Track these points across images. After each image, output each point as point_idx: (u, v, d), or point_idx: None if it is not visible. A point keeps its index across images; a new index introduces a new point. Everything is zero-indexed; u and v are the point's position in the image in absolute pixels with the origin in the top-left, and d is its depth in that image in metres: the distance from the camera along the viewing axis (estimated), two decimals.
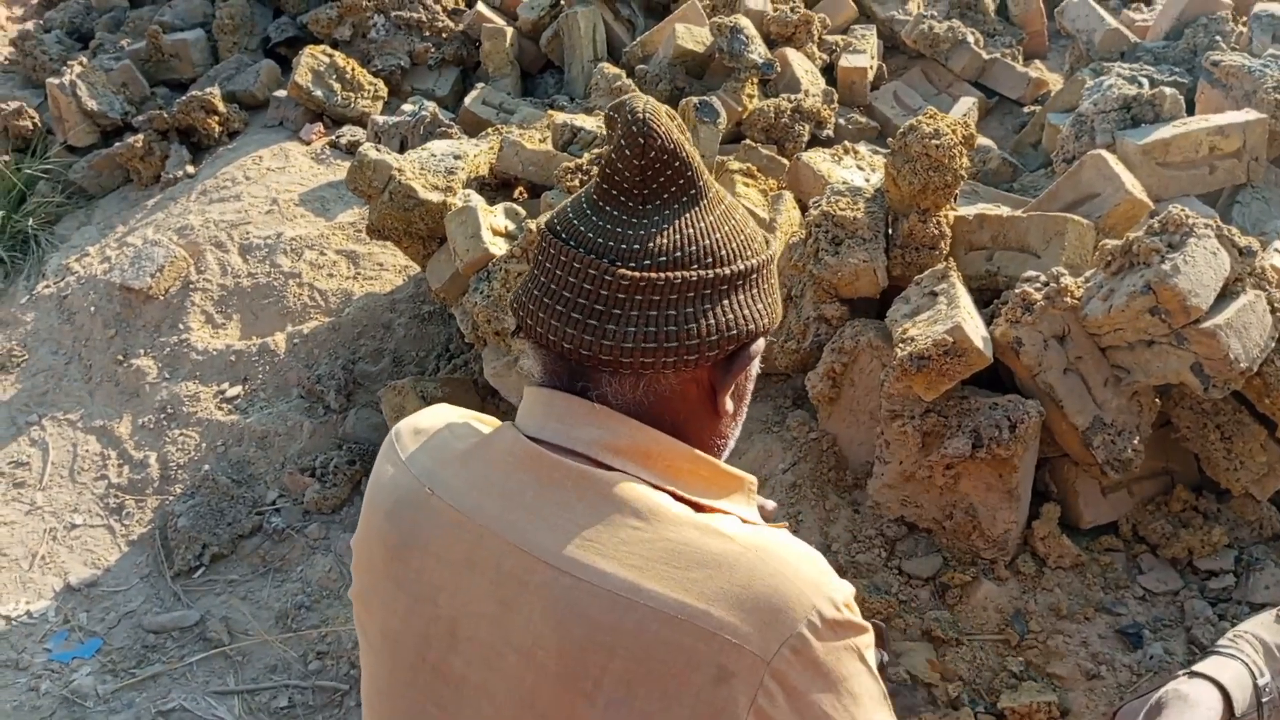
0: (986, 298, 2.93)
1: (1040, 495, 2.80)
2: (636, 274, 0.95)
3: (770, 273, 1.03)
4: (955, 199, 3.00)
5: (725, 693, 0.86)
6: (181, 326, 3.79)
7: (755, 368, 1.06)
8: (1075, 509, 2.75)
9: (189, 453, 3.48)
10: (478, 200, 3.25)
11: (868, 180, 3.30)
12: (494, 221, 3.26)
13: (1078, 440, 2.63)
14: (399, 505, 1.02)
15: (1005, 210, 3.02)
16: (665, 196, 0.97)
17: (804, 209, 3.19)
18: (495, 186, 3.64)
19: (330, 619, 3.04)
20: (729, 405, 1.03)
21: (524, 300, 1.01)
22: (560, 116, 3.51)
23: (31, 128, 4.61)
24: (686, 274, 0.96)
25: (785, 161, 3.69)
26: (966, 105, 4.21)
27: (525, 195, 3.60)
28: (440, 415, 1.10)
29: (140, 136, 4.44)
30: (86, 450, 3.55)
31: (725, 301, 0.98)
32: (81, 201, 4.49)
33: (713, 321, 0.97)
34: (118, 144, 4.48)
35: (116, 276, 3.87)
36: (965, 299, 2.69)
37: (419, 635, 0.98)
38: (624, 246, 0.96)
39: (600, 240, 0.96)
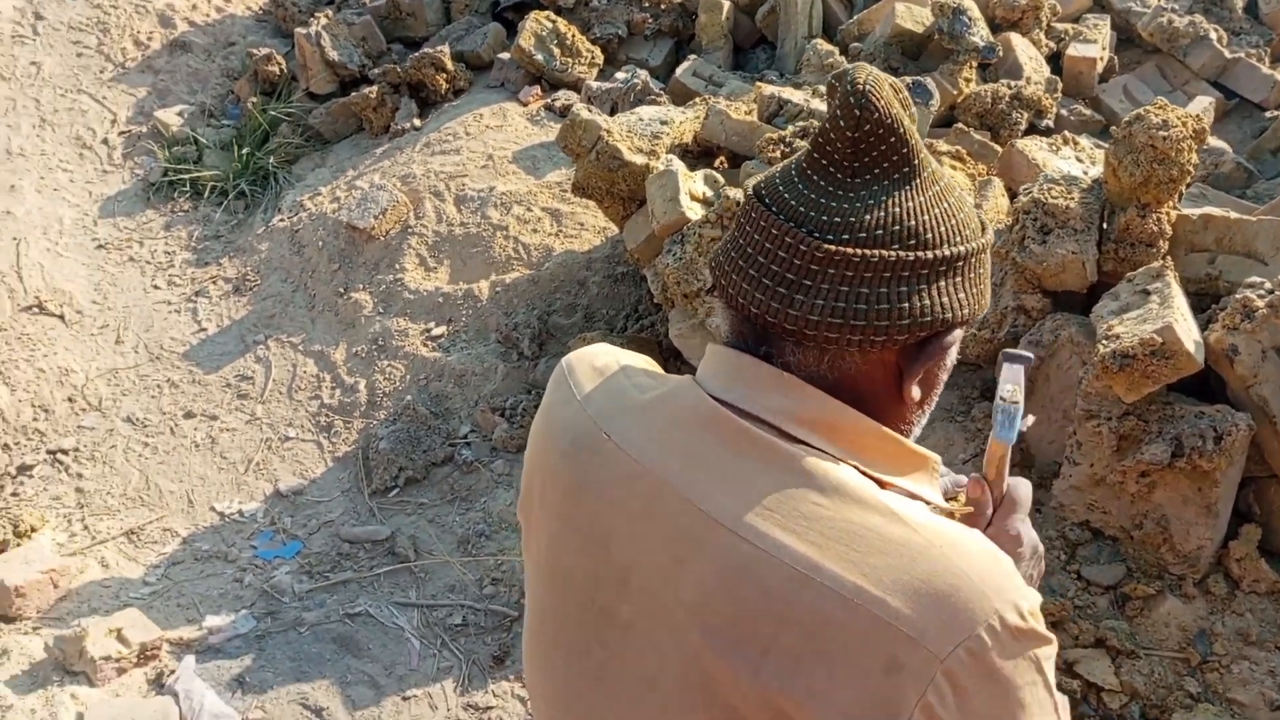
0: (1204, 303, 2.78)
1: (1241, 515, 2.64)
2: (832, 247, 0.92)
3: (981, 261, 0.98)
4: (1180, 197, 2.85)
5: (894, 683, 0.85)
6: (397, 267, 4.05)
7: (951, 357, 1.01)
8: (1278, 534, 2.59)
9: (394, 383, 3.73)
10: (679, 165, 3.32)
11: (1086, 172, 3.17)
12: (693, 187, 3.32)
13: None
14: (575, 446, 1.02)
15: (1234, 214, 2.85)
16: (876, 171, 0.93)
17: (1014, 198, 3.10)
18: (698, 154, 3.71)
19: (507, 549, 3.20)
20: (915, 393, 0.98)
21: (721, 260, 0.99)
22: (768, 89, 3.53)
23: (278, 73, 4.99)
24: (885, 253, 0.92)
25: (998, 148, 3.59)
26: (1203, 104, 3.97)
27: (725, 164, 3.65)
28: (614, 355, 1.10)
29: (375, 88, 4.74)
30: (304, 371, 3.86)
31: (923, 286, 0.94)
32: (318, 145, 4.85)
33: (905, 305, 0.93)
34: (354, 94, 4.80)
35: (344, 215, 4.17)
36: (1180, 300, 2.56)
37: (589, 576, 0.99)
38: (824, 218, 0.93)
39: (802, 209, 0.94)
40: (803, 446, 0.94)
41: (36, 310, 4.08)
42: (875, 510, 0.91)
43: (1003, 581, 0.89)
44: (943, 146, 3.51)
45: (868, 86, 0.91)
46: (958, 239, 0.95)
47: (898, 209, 0.93)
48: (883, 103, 0.92)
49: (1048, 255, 2.80)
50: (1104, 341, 2.49)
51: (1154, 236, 2.77)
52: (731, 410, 0.96)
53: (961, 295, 0.96)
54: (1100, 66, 4.26)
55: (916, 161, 0.94)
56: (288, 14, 5.35)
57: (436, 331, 3.86)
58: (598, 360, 1.09)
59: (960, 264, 0.96)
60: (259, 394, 3.81)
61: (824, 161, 0.94)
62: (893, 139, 0.93)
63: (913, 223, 0.93)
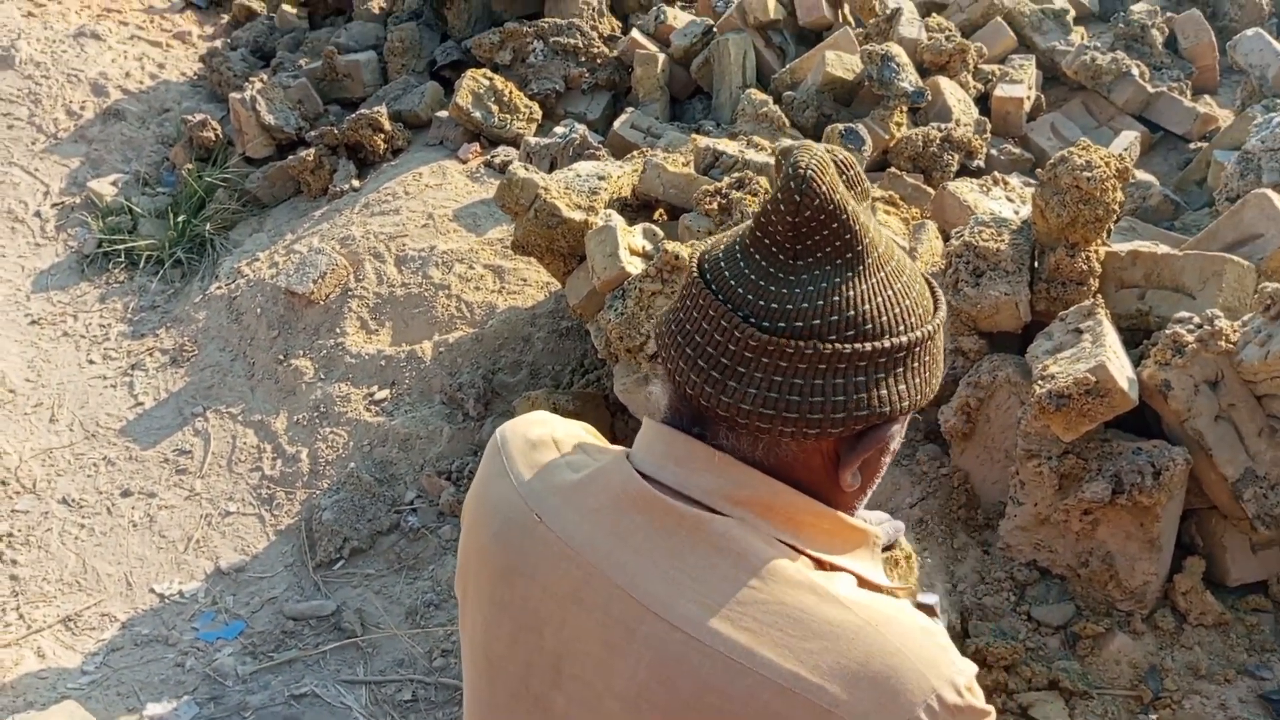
0: (1136, 338, 2.81)
1: (1184, 548, 2.66)
2: (765, 336, 0.89)
3: (928, 349, 0.94)
4: (1108, 234, 2.89)
5: None
6: (338, 331, 4.00)
7: (895, 445, 0.98)
8: (1222, 565, 2.60)
9: (337, 450, 3.67)
10: (618, 220, 3.32)
11: (1016, 213, 3.22)
12: (632, 241, 3.32)
13: (1227, 492, 2.50)
14: (506, 527, 1.00)
15: (1161, 248, 2.90)
16: (819, 255, 0.90)
17: (947, 241, 3.13)
18: (636, 208, 3.71)
19: (456, 618, 3.14)
20: (852, 481, 0.95)
21: (663, 332, 0.97)
22: (703, 141, 3.56)
23: (214, 139, 4.95)
24: (820, 345, 0.89)
25: (931, 191, 3.63)
26: (1128, 139, 4.05)
27: (665, 217, 3.65)
28: (549, 428, 1.08)
29: (312, 151, 4.72)
30: (245, 443, 3.78)
31: (861, 379, 0.90)
32: (255, 210, 4.80)
33: (840, 399, 0.90)
34: (291, 157, 4.77)
35: (282, 281, 4.12)
36: (1112, 337, 2.59)
37: (522, 663, 0.97)
38: (761, 303, 0.90)
39: (740, 291, 0.91)
40: (733, 522, 0.92)
41: None
42: (809, 590, 0.90)
43: (938, 656, 0.88)
44: (877, 192, 3.54)
45: (809, 170, 0.89)
46: (901, 327, 0.92)
47: (837, 297, 0.89)
48: (824, 187, 0.89)
49: (981, 297, 2.82)
50: (1040, 382, 2.51)
51: (1084, 275, 2.80)
52: (661, 489, 0.94)
53: (902, 387, 0.92)
54: (1028, 105, 4.34)
55: (861, 246, 0.91)
56: (222, 79, 5.32)
57: (379, 395, 3.81)
58: (532, 432, 1.07)
59: (903, 354, 0.92)
60: (198, 468, 3.73)
61: (766, 241, 0.91)
62: (835, 225, 0.90)
63: (852, 312, 0.89)
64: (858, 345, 0.90)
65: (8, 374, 4.08)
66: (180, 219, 4.67)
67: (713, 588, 0.89)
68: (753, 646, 0.87)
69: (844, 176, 0.93)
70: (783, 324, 0.89)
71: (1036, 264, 2.91)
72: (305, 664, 3.04)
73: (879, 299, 0.91)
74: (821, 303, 0.89)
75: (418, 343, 3.95)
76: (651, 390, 3.06)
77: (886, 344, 0.91)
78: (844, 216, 0.90)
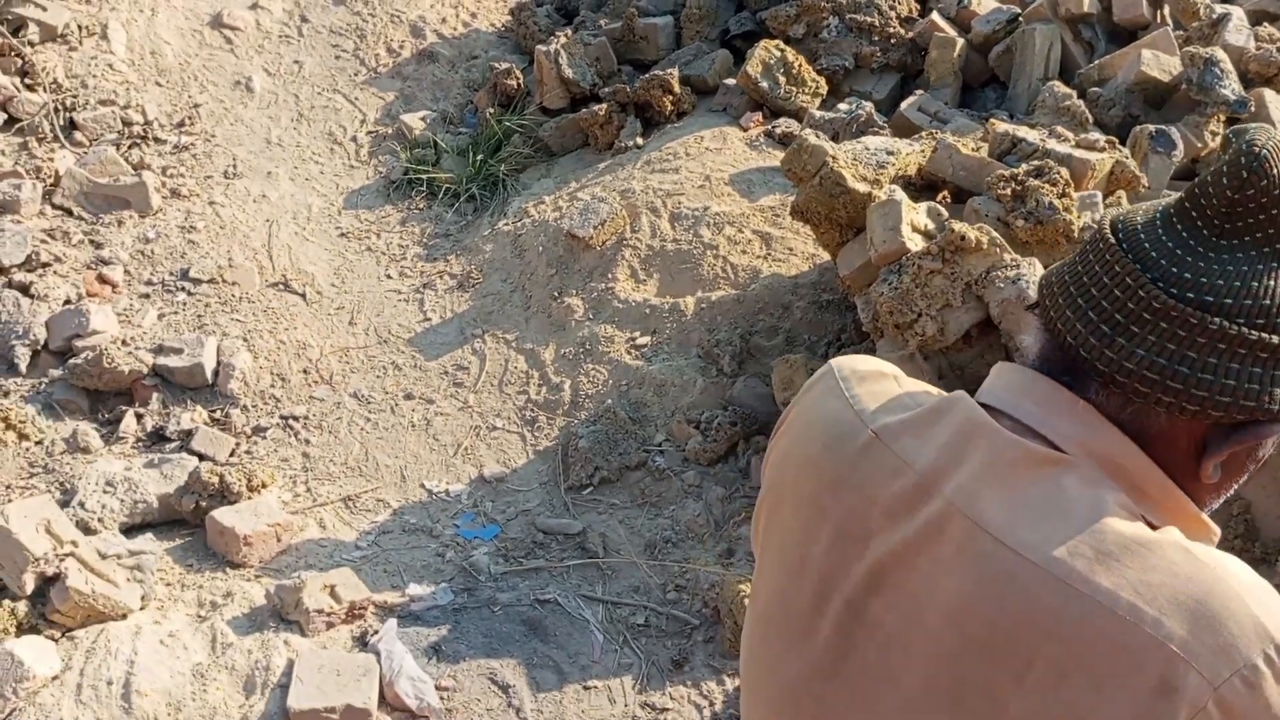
0: None
1: None
2: (1172, 301, 0.88)
3: None
4: None
5: (1165, 706, 0.83)
6: (610, 276, 4.20)
7: (1268, 449, 0.95)
8: None
9: (597, 385, 3.87)
10: (902, 196, 3.32)
11: None
12: (915, 218, 3.31)
13: None
14: (840, 440, 1.01)
15: None
16: (1246, 239, 0.89)
17: None
18: (920, 187, 3.69)
19: (692, 558, 3.26)
20: (1213, 474, 0.93)
21: (1052, 281, 0.97)
22: (1002, 125, 3.49)
23: (515, 87, 5.27)
24: (1225, 323, 0.87)
25: None
26: None
27: (949, 199, 3.61)
28: (880, 365, 1.10)
29: (604, 106, 4.95)
30: (515, 367, 4.06)
31: (1258, 369, 0.89)
32: (545, 156, 5.09)
33: (1231, 383, 0.88)
34: (584, 110, 5.02)
35: (565, 224, 4.36)
36: None
37: (839, 568, 0.98)
38: (1174, 270, 0.89)
39: (1154, 254, 0.90)
40: (1081, 469, 0.92)
41: (282, 288, 4.45)
42: (1144, 529, 0.89)
43: (1277, 610, 0.86)
44: None
45: (1265, 150, 0.88)
46: None
47: (1256, 283, 0.88)
48: (1276, 171, 0.88)
49: None
50: None
51: None
52: (1006, 423, 0.95)
53: None
54: None
55: None
56: (528, 32, 5.64)
57: (641, 341, 3.98)
58: (861, 365, 1.10)
59: None
60: (473, 383, 4.03)
61: (1194, 214, 0.90)
62: (1274, 210, 0.88)
63: (1268, 301, 0.88)
64: (1264, 335, 0.88)
65: (317, 277, 4.53)
66: (478, 158, 5.02)
67: (1051, 519, 0.89)
68: (1089, 573, 0.86)
69: None
70: (1192, 294, 0.88)
71: None
72: (550, 574, 3.25)
73: None
74: (1239, 284, 0.88)
75: (682, 296, 4.09)
76: (1023, 339, 3.01)
77: None
78: None
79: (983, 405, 0.98)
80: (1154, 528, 0.92)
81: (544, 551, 3.34)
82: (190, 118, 5.19)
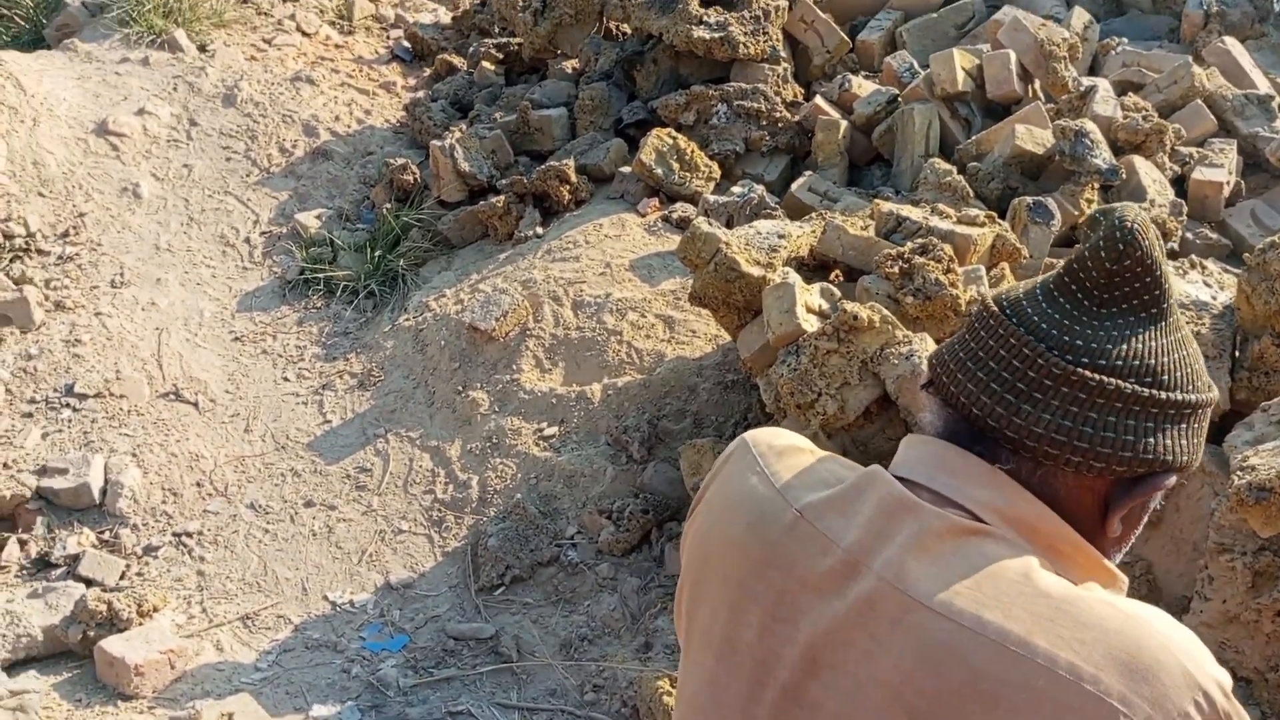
0: None
1: None
2: (1070, 366, 0.94)
3: (1203, 416, 1.00)
4: None
5: None
6: (514, 367, 4.16)
7: (1156, 501, 1.02)
8: None
9: (505, 480, 3.80)
10: (796, 278, 3.37)
11: (1214, 297, 3.11)
12: (809, 299, 3.36)
13: None
14: (764, 520, 1.02)
15: None
16: (1125, 306, 0.96)
17: None
18: (813, 268, 3.75)
19: (609, 655, 3.19)
20: (1116, 528, 0.99)
21: (946, 359, 1.02)
22: (886, 205, 3.58)
23: (412, 182, 5.26)
24: (1122, 384, 0.94)
25: None
26: None
27: (841, 278, 3.68)
28: (792, 437, 1.12)
29: (502, 198, 4.96)
30: (420, 466, 3.96)
31: (1150, 424, 0.96)
32: (445, 249, 5.06)
33: (1130, 438, 0.95)
34: (482, 203, 5.02)
35: (466, 316, 4.33)
36: None
37: (771, 653, 0.98)
38: (1065, 339, 0.95)
39: (1043, 326, 0.96)
40: (999, 534, 0.96)
41: (173, 398, 4.31)
42: (1070, 586, 0.93)
43: (1202, 658, 0.90)
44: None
45: (1135, 225, 0.96)
46: (1191, 387, 0.97)
47: (1141, 345, 0.96)
48: (1147, 244, 0.96)
49: None
50: (1239, 473, 2.40)
51: None
52: (929, 495, 0.98)
53: (1184, 442, 0.98)
54: (1227, 191, 4.19)
55: (1166, 305, 0.97)
56: (423, 127, 5.66)
57: (549, 431, 3.93)
58: (777, 440, 1.11)
59: (1189, 411, 0.97)
60: (376, 486, 3.92)
61: (1074, 287, 0.97)
62: (1148, 279, 0.96)
63: (1153, 361, 0.96)
64: (1155, 392, 0.96)
65: (209, 384, 4.40)
66: (376, 253, 4.97)
67: (981, 585, 0.92)
68: (1028, 636, 0.89)
69: (1159, 241, 0.99)
70: (1086, 359, 0.95)
71: (1239, 351, 2.80)
72: (463, 683, 3.14)
73: (1174, 356, 0.98)
74: (1125, 346, 0.96)
75: (588, 384, 4.07)
76: (920, 418, 3.04)
77: (1178, 397, 0.97)
78: (1157, 273, 0.97)
79: (898, 479, 1.01)
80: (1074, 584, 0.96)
81: (455, 659, 3.23)
82: (75, 227, 5.05)
